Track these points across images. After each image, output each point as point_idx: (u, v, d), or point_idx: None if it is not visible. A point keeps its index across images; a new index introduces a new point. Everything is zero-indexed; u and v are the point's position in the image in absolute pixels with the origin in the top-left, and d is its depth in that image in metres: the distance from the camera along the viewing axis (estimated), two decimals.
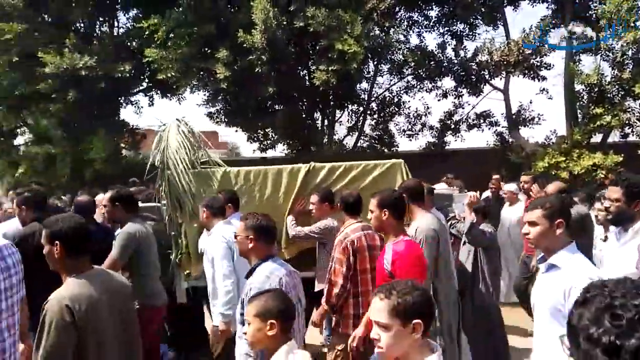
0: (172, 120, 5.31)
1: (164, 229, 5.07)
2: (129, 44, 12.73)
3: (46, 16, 12.22)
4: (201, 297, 4.93)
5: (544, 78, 12.56)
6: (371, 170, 4.98)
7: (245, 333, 2.36)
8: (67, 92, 10.91)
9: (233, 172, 5.05)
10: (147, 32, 10.84)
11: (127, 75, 11.48)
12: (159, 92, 14.19)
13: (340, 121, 13.80)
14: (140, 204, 5.08)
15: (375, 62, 13.07)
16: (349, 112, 13.58)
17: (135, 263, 4.19)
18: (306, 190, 4.91)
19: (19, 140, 15.86)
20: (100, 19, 13.04)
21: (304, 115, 12.50)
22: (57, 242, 2.45)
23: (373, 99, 13.52)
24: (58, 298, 2.33)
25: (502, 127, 13.89)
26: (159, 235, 4.96)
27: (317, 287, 4.53)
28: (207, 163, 5.28)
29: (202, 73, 11.39)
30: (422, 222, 3.73)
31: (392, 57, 13.13)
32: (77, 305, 2.31)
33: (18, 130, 14.74)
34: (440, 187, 9.98)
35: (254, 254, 3.06)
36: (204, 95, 13.06)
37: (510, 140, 13.50)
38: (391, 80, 13.65)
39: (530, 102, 13.52)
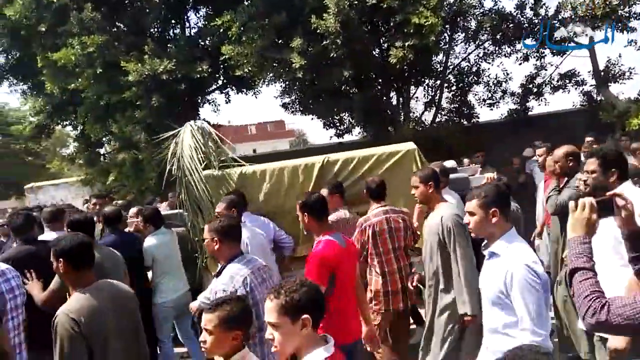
0: (185, 126, 5.35)
1: (189, 234, 5.21)
2: (202, 43, 12.92)
3: (121, 25, 12.61)
4: None
5: (633, 29, 11.56)
6: (386, 159, 4.98)
7: (204, 342, 2.29)
8: (151, 97, 11.21)
9: (249, 172, 5.09)
10: (221, 29, 10.90)
11: (205, 74, 11.65)
12: (234, 88, 14.38)
13: (417, 97, 13.41)
14: (164, 212, 5.40)
15: (449, 32, 12.53)
16: (424, 87, 13.14)
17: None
18: (321, 185, 4.90)
19: (106, 148, 16.71)
20: (172, 21, 13.28)
21: (379, 96, 12.21)
22: (60, 259, 2.72)
23: (449, 70, 12.99)
24: (65, 312, 2.58)
25: (590, 85, 12.97)
26: (185, 240, 5.29)
27: None
28: (227, 162, 5.32)
29: (276, 64, 11.35)
30: (444, 210, 3.79)
31: (466, 24, 12.57)
32: (82, 318, 2.55)
33: (104, 139, 15.46)
34: (527, 153, 9.57)
35: (220, 255, 3.14)
36: (280, 86, 13.07)
37: (599, 98, 12.60)
38: (467, 48, 13.06)
39: (620, 56, 12.51)
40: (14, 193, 28.65)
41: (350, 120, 13.25)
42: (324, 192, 4.57)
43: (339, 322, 3.26)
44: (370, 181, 4.42)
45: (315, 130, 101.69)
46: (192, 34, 13.73)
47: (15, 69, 15.11)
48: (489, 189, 2.70)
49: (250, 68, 10.88)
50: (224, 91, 14.52)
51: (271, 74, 11.75)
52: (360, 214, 4.72)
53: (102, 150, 16.21)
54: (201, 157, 5.06)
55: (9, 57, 14.99)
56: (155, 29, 13.25)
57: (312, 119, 13.77)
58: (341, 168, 5.04)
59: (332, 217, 4.52)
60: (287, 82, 12.18)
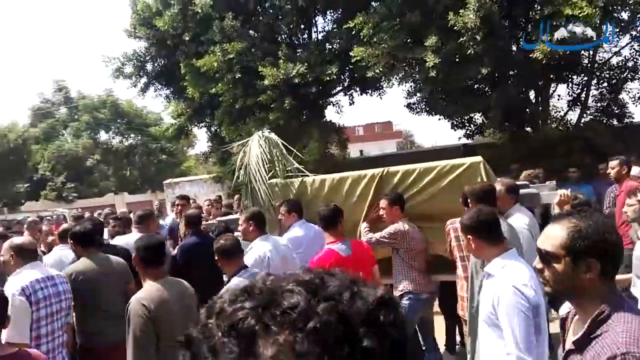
0: (253, 136, 5.46)
1: None
2: (329, 46, 13.11)
3: (257, 32, 13.18)
4: None
5: None
6: (448, 172, 4.70)
7: None
8: (284, 100, 11.56)
9: (309, 181, 5.14)
10: (353, 32, 10.95)
11: (334, 77, 11.78)
12: (357, 89, 14.42)
13: (559, 96, 12.41)
14: (234, 216, 5.48)
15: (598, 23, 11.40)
16: (568, 85, 12.11)
17: None
18: (380, 196, 4.76)
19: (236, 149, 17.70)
20: (302, 26, 13.63)
21: (518, 94, 11.47)
22: (135, 255, 3.19)
23: (598, 65, 11.84)
24: (137, 299, 2.98)
25: None
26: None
27: (396, 292, 4.45)
28: (293, 172, 5.37)
29: (406, 64, 11.14)
30: None
31: (617, 14, 11.34)
32: (151, 304, 2.91)
33: (236, 139, 16.37)
34: None
35: (227, 271, 3.62)
36: (410, 86, 12.83)
37: None
38: (618, 41, 11.80)
39: None
40: (149, 188, 31.57)
41: (484, 120, 12.61)
42: (384, 203, 4.51)
43: None
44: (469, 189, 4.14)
45: (423, 132, 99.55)
46: (320, 38, 14.00)
47: (160, 76, 16.47)
48: (468, 215, 2.76)
49: (381, 69, 10.77)
50: (348, 93, 14.60)
51: (401, 74, 11.56)
52: (422, 228, 4.61)
53: (233, 150, 17.20)
54: (267, 166, 5.19)
55: (155, 65, 16.37)
56: (287, 35, 13.66)
57: (440, 119, 13.34)
58: (401, 180, 4.89)
59: (390, 229, 4.45)
60: (417, 82, 11.90)
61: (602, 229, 1.58)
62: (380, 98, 14.21)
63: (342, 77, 13.78)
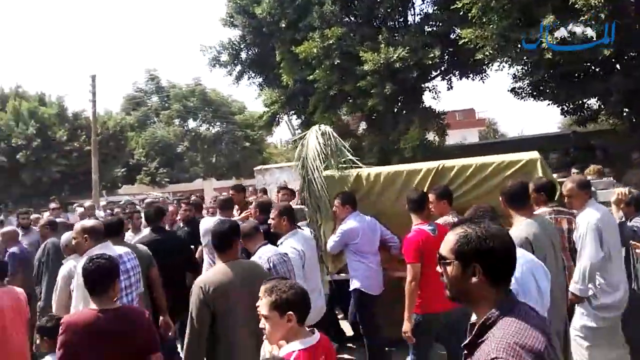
0: (311, 129, 5.64)
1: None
2: (429, 29, 12.67)
3: (351, 17, 12.99)
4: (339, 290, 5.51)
5: None
6: (504, 168, 4.68)
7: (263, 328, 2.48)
8: (385, 85, 11.31)
9: (364, 174, 5.19)
10: (461, 12, 10.45)
11: (437, 60, 11.36)
12: (457, 73, 13.87)
13: None
14: (295, 206, 5.62)
15: None
16: None
17: None
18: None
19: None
20: (400, 9, 13.26)
21: None
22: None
23: None
24: (197, 282, 3.25)
25: None
26: None
27: None
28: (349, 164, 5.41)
29: (518, 45, 10.47)
30: (516, 229, 3.42)
31: None
32: (209, 287, 3.13)
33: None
34: None
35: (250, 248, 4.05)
36: (517, 70, 12.11)
37: None
38: None
39: None
40: (234, 174, 32.55)
41: (600, 106, 11.66)
42: (432, 197, 4.50)
43: (427, 291, 3.94)
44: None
45: (508, 121, 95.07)
46: (419, 20, 13.55)
47: (254, 64, 16.73)
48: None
49: (490, 51, 10.21)
50: (446, 77, 14.06)
51: (512, 56, 10.87)
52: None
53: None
54: (323, 158, 5.28)
55: (249, 53, 16.65)
56: (385, 19, 13.35)
57: (549, 104, 12.50)
58: (456, 175, 4.86)
59: (439, 221, 4.40)
60: (530, 64, 11.16)
61: (488, 236, 1.62)
62: (483, 82, 13.55)
63: (442, 62, 13.32)
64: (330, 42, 11.73)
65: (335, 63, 11.94)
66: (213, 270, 3.38)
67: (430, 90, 14.15)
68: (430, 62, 11.35)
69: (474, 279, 1.62)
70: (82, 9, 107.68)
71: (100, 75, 23.15)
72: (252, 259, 3.76)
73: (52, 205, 10.44)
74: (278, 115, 16.59)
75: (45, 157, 23.85)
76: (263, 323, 2.39)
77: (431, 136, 13.43)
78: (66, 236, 4.51)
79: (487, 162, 4.84)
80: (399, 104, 12.89)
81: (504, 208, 3.66)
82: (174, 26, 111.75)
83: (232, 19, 15.94)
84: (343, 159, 5.51)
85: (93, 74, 23.45)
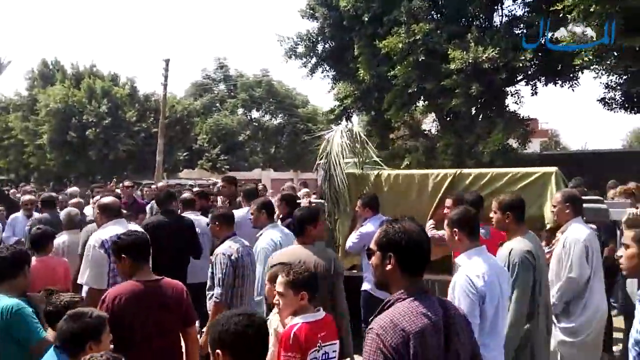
0: (337, 127, 5.82)
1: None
2: (518, 31, 12.17)
3: (438, 14, 12.66)
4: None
5: None
6: (519, 179, 4.80)
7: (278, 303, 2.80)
8: (470, 86, 10.94)
9: (384, 175, 5.34)
10: (560, 14, 9.95)
11: (528, 63, 10.88)
12: (541, 79, 13.27)
13: None
14: (314, 200, 5.83)
15: None
16: None
17: None
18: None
19: (396, 134, 17.41)
20: (488, 9, 12.81)
21: None
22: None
23: None
24: (275, 257, 3.59)
25: None
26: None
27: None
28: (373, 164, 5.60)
29: (619, 53, 9.87)
30: (516, 244, 3.48)
31: None
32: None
33: (398, 124, 16.05)
34: None
35: (218, 235, 4.34)
36: (610, 80, 11.44)
37: None
38: None
39: None
40: (292, 166, 32.71)
41: None
42: (449, 202, 4.59)
43: None
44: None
45: (571, 132, 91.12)
46: (506, 21, 13.05)
47: (329, 57, 16.64)
48: (456, 212, 3.10)
49: (590, 57, 9.66)
50: (531, 82, 13.46)
51: (608, 64, 10.27)
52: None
53: (391, 136, 16.93)
54: (346, 155, 5.37)
55: (325, 46, 16.57)
56: (473, 17, 12.94)
57: None
58: (471, 183, 5.00)
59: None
60: (630, 73, 10.52)
61: (403, 230, 1.92)
62: (572, 90, 12.87)
63: (530, 65, 12.76)
64: (417, 37, 11.45)
65: (420, 59, 11.65)
66: (290, 250, 3.65)
67: (512, 95, 13.62)
68: (520, 65, 10.87)
69: (389, 266, 1.92)
70: None
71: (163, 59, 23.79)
72: (222, 246, 4.01)
73: (127, 182, 10.48)
74: (350, 110, 16.43)
75: (114, 135, 24.75)
76: (277, 299, 2.75)
77: (512, 142, 12.92)
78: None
79: (504, 172, 5.03)
80: (480, 106, 12.46)
81: (502, 219, 3.59)
82: (246, 16, 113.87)
83: (312, 11, 15.91)
84: (367, 160, 5.67)
85: (167, 58, 24.05)
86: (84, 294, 3.86)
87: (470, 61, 10.68)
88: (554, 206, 4.01)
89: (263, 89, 33.12)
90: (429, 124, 18.35)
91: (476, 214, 3.23)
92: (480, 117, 13.07)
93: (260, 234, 4.36)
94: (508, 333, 3.23)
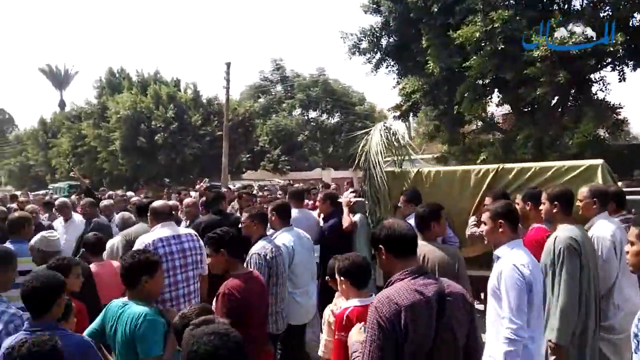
0: (376, 125, 5.72)
1: (367, 219, 5.55)
2: (605, 14, 11.33)
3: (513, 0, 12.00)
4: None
5: None
6: (564, 172, 4.74)
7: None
8: (556, 74, 10.28)
9: (424, 172, 5.39)
10: None
11: (619, 48, 10.09)
12: (629, 64, 12.32)
13: None
14: (353, 199, 5.76)
15: None
16: None
17: None
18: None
19: (467, 128, 16.78)
20: None
21: None
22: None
23: None
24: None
25: None
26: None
27: None
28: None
29: None
30: (562, 232, 3.54)
31: None
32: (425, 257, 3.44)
33: (470, 118, 15.43)
34: None
35: (253, 234, 4.31)
36: None
37: None
38: None
39: None
40: (350, 165, 32.39)
41: None
42: (489, 200, 4.60)
43: None
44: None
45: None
46: (588, 4, 12.20)
47: (393, 52, 16.26)
48: (500, 204, 3.20)
49: None
50: (618, 67, 12.52)
51: None
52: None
53: (463, 129, 16.31)
54: (384, 153, 5.37)
55: (390, 40, 16.19)
56: (552, 2, 12.20)
57: None
58: (515, 177, 4.94)
59: None
60: None
61: (382, 226, 2.38)
62: None
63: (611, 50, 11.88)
64: (495, 25, 10.89)
65: (499, 48, 11.07)
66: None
67: (597, 82, 12.74)
68: (611, 49, 10.10)
69: (383, 257, 2.32)
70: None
71: (225, 62, 24.16)
72: (256, 246, 4.02)
73: (205, 184, 10.65)
74: (418, 104, 15.98)
75: (181, 139, 25.34)
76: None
77: (601, 132, 12.08)
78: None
79: (548, 166, 4.95)
80: (566, 95, 11.71)
81: (550, 209, 3.69)
82: (301, 17, 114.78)
83: (376, 5, 15.58)
84: (405, 158, 5.66)
85: (228, 62, 24.45)
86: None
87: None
88: (580, 200, 3.95)
89: (320, 88, 33.02)
90: (497, 116, 17.61)
91: (516, 209, 3.39)
92: (562, 107, 12.31)
93: (275, 237, 4.40)
94: (561, 319, 3.38)
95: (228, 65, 24.36)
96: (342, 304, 3.03)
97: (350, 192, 7.69)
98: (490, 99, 13.68)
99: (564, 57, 10.24)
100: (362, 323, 2.64)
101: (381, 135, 5.54)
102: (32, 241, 4.25)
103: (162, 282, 3.16)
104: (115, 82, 30.68)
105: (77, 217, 6.63)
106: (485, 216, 3.18)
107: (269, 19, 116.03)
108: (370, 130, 5.82)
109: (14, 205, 8.39)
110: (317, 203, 6.23)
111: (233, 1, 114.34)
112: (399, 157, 5.62)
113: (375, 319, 2.07)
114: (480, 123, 16.00)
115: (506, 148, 13.51)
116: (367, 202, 5.65)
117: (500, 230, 3.08)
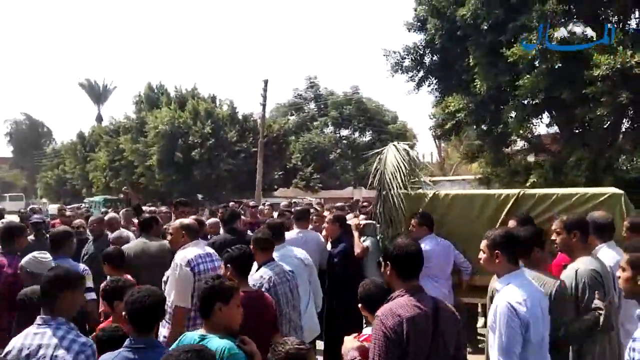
0: (389, 145, 5.61)
1: (378, 243, 5.47)
2: None
3: (574, 17, 11.67)
4: None
5: None
6: (586, 201, 4.68)
7: None
8: (618, 94, 9.88)
9: (440, 195, 5.29)
10: None
11: None
12: None
13: None
14: (363, 221, 5.65)
15: None
16: None
17: None
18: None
19: (511, 148, 16.33)
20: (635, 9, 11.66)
21: None
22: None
23: None
24: None
25: None
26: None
27: None
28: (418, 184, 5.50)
29: None
30: (582, 264, 3.47)
31: None
32: None
33: (515, 138, 15.02)
34: None
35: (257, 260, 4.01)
36: None
37: None
38: None
39: None
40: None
41: None
42: (512, 224, 4.45)
43: None
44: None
45: None
46: None
47: (437, 70, 16.02)
48: (497, 233, 3.02)
49: None
50: None
51: None
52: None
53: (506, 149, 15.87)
54: (404, 175, 5.23)
55: (433, 58, 15.97)
56: (608, 20, 11.83)
57: None
58: (535, 204, 4.91)
59: None
60: None
61: (395, 247, 2.64)
62: None
63: None
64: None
65: (556, 67, 10.73)
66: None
67: None
68: None
69: (388, 272, 2.65)
70: (246, 16, 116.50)
71: (259, 79, 24.43)
72: (254, 276, 3.87)
73: (252, 202, 10.48)
74: (462, 123, 15.63)
75: (217, 155, 25.46)
76: None
77: None
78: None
79: (569, 192, 4.94)
80: (625, 116, 11.27)
81: (568, 238, 3.56)
82: (335, 35, 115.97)
83: (420, 23, 15.41)
84: (414, 180, 5.53)
85: (266, 79, 24.58)
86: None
87: (618, 66, 9.64)
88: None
89: (353, 107, 32.97)
90: (544, 137, 17.12)
91: (520, 236, 3.23)
92: (618, 128, 11.83)
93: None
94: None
95: (266, 82, 24.49)
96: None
97: (360, 214, 7.42)
98: (540, 118, 13.27)
99: (627, 76, 9.83)
100: (356, 334, 2.98)
101: (396, 155, 5.44)
102: (23, 261, 4.01)
103: (239, 312, 2.78)
104: (154, 97, 31.18)
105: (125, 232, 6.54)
106: (483, 244, 3.05)
107: (304, 37, 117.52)
108: (383, 150, 5.68)
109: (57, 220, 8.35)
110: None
111: (270, 20, 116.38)
112: (410, 179, 5.48)
113: (380, 330, 2.39)
114: (525, 144, 15.54)
115: (556, 170, 13.03)
116: (378, 225, 5.55)
117: (497, 260, 2.96)
